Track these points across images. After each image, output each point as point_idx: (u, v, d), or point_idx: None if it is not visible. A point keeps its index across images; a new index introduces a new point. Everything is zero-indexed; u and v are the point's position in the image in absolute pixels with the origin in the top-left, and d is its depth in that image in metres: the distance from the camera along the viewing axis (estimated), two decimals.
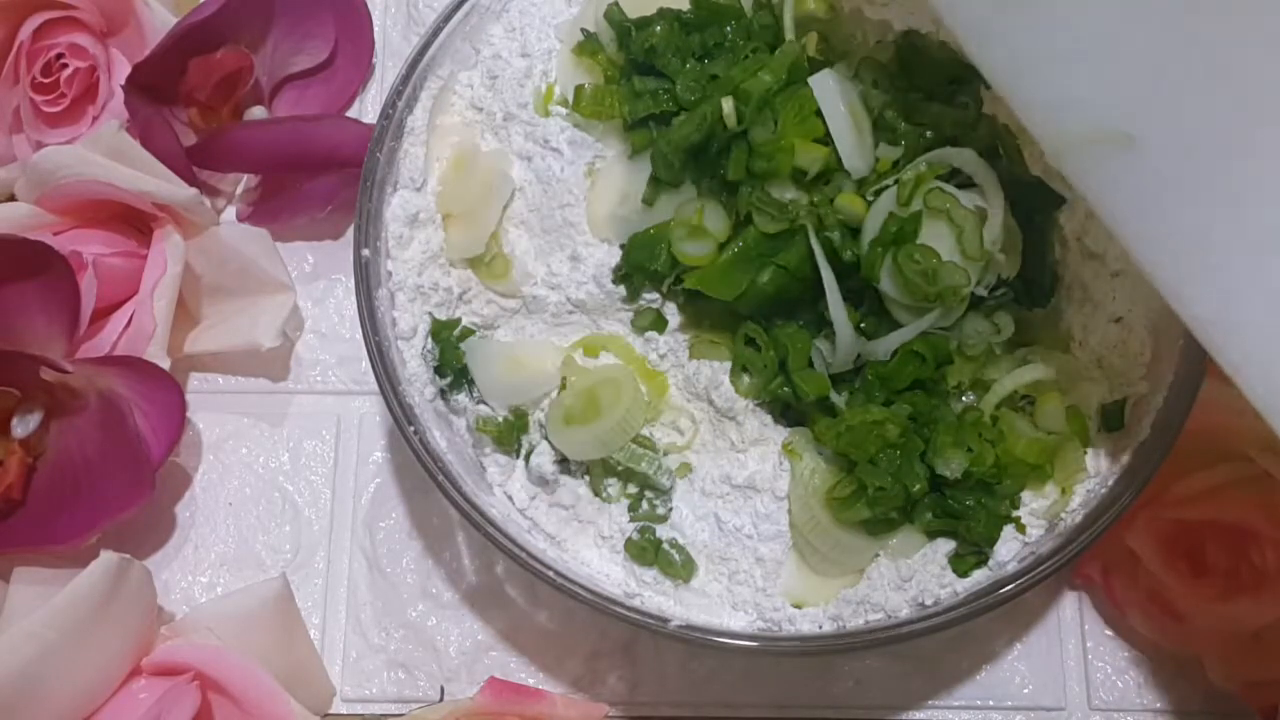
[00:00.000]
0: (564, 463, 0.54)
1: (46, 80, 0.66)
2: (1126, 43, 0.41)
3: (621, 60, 0.53)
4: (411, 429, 0.51)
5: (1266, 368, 0.40)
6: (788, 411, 0.53)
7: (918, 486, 0.49)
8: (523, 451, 0.54)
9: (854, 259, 0.50)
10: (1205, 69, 0.40)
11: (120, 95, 0.65)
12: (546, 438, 0.53)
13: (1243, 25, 0.40)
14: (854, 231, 0.50)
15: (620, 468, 0.53)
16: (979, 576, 0.51)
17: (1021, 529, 0.51)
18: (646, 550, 0.52)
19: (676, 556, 0.52)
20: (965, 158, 0.50)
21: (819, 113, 0.50)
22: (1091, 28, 0.41)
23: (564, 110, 0.54)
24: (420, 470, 0.51)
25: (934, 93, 0.52)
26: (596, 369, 0.54)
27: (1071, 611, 0.61)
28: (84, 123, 0.67)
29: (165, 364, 0.60)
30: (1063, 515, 0.51)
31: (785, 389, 0.51)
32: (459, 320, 0.55)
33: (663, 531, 0.53)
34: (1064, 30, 0.41)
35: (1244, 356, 0.40)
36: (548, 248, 0.54)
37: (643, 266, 0.52)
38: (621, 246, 0.53)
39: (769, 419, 0.53)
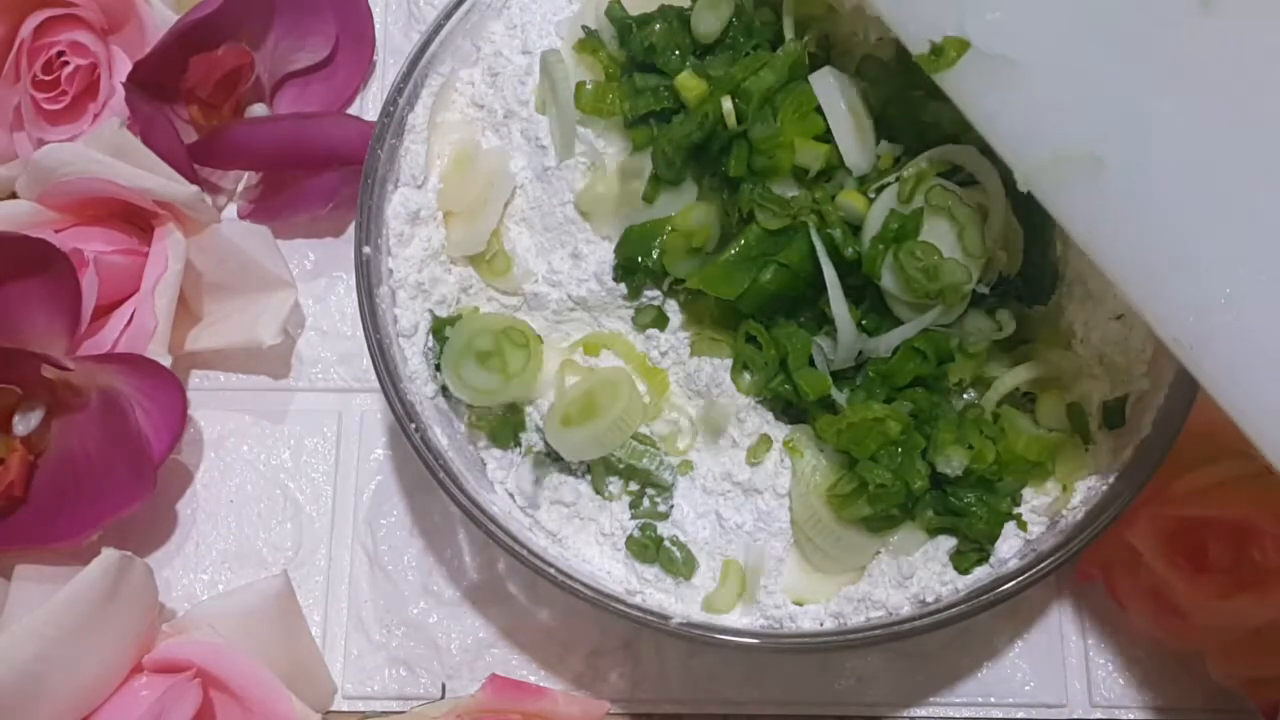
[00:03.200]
0: (561, 461, 0.54)
1: (48, 78, 0.66)
2: (1092, 65, 0.41)
3: (622, 57, 0.53)
4: (412, 426, 0.51)
5: (1241, 383, 0.41)
6: (789, 409, 0.53)
7: (919, 483, 0.49)
8: (523, 449, 0.54)
9: (855, 256, 0.50)
10: (1171, 89, 0.40)
11: (121, 93, 0.65)
12: (539, 446, 0.54)
13: (1205, 44, 0.40)
14: (855, 229, 0.50)
15: (622, 465, 0.53)
16: (980, 574, 0.51)
17: (1023, 526, 0.51)
18: (648, 547, 0.52)
19: (677, 554, 0.52)
20: (966, 155, 0.50)
21: (820, 110, 0.50)
22: (1057, 50, 0.41)
23: None
24: (421, 467, 0.51)
25: (935, 90, 0.52)
26: (595, 371, 0.54)
27: (1073, 608, 0.61)
28: (85, 120, 0.67)
29: (166, 361, 0.60)
30: (1064, 512, 0.51)
31: (786, 387, 0.51)
32: (460, 317, 0.55)
33: (664, 529, 0.53)
34: (1031, 53, 0.41)
35: (1221, 372, 0.41)
36: (549, 245, 0.54)
37: (635, 260, 0.52)
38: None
39: (770, 416, 0.53)
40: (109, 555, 0.53)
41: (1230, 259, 0.40)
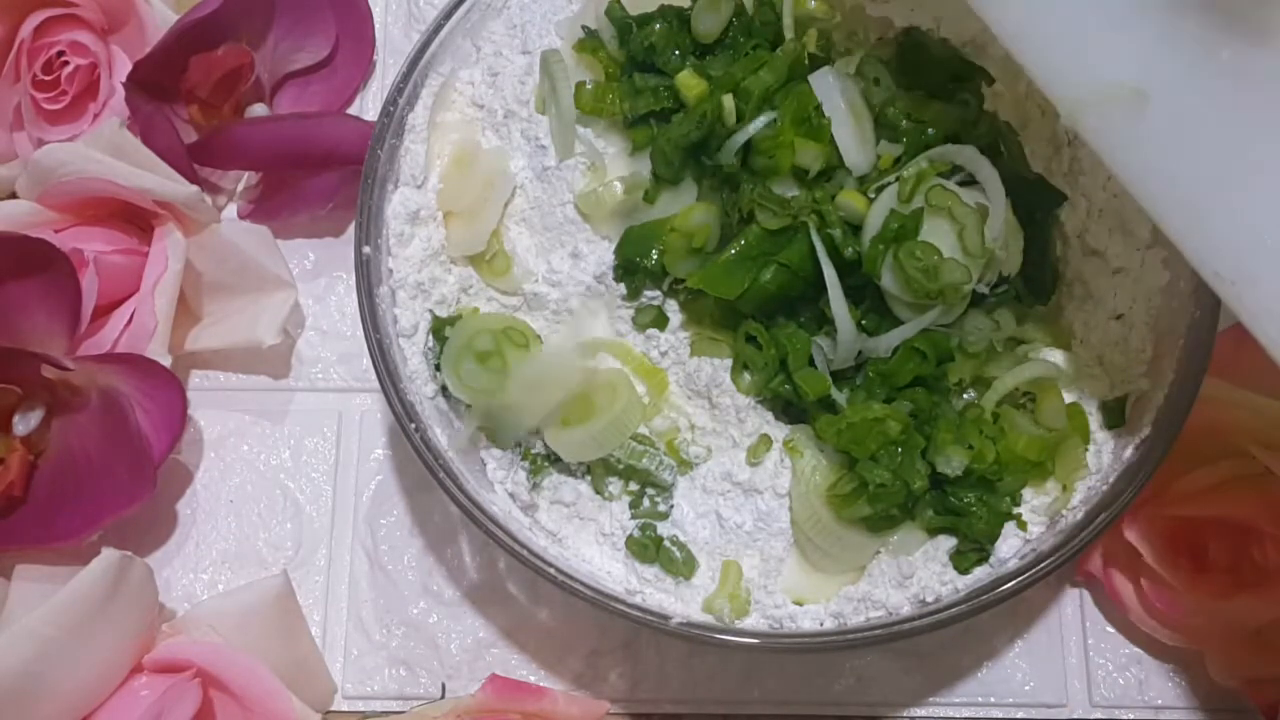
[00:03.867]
0: (561, 461, 0.54)
1: (48, 78, 0.66)
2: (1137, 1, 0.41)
3: (622, 57, 0.53)
4: (412, 426, 0.51)
5: None
6: (789, 409, 0.53)
7: (919, 483, 0.49)
8: (523, 449, 0.54)
9: (855, 256, 0.50)
10: (1219, 27, 0.40)
11: (121, 92, 0.65)
12: (538, 446, 0.53)
13: None
14: (855, 228, 0.50)
15: (622, 465, 0.53)
16: (980, 574, 0.51)
17: (1023, 526, 0.51)
18: (648, 547, 0.52)
19: (677, 553, 0.52)
20: (967, 155, 0.50)
21: (819, 110, 0.50)
22: None
23: None
24: (421, 467, 0.51)
25: (935, 90, 0.52)
26: (594, 371, 0.54)
27: (1073, 608, 0.61)
28: (85, 120, 0.67)
29: (166, 361, 0.60)
30: (1064, 512, 0.51)
31: (786, 387, 0.51)
32: (460, 317, 0.55)
33: (664, 529, 0.53)
34: None
35: (1263, 309, 0.40)
36: (549, 245, 0.54)
37: (635, 260, 0.52)
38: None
39: (770, 416, 0.53)
40: (109, 555, 0.53)
41: (1276, 194, 0.40)
